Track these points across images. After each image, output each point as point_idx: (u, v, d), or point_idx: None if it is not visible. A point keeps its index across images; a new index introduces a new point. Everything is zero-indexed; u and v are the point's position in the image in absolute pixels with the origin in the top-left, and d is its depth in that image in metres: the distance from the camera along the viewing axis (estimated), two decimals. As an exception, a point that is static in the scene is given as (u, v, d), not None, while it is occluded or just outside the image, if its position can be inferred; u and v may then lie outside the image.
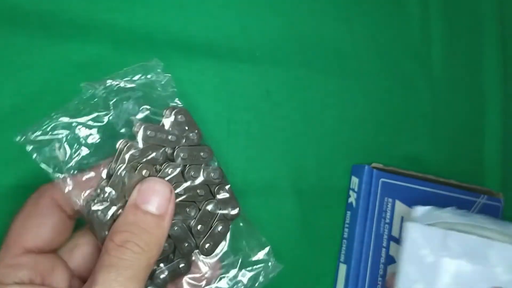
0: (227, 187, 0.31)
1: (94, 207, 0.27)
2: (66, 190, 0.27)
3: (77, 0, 0.34)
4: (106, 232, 0.26)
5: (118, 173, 0.27)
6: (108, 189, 0.27)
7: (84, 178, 0.27)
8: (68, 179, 0.27)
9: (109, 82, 0.29)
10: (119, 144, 0.28)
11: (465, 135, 0.48)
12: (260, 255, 0.33)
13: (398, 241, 0.41)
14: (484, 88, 0.49)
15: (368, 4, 0.44)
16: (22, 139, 0.27)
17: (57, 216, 0.27)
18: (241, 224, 0.33)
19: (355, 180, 0.41)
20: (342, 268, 0.40)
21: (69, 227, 0.28)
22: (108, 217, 0.27)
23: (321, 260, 0.40)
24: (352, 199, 0.41)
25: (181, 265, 0.30)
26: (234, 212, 0.31)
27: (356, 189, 0.41)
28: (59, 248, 0.28)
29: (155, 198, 0.26)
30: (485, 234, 0.32)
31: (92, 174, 0.27)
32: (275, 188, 0.39)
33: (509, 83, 0.50)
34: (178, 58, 0.36)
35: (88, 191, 0.27)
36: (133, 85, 0.29)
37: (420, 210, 0.34)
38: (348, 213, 0.41)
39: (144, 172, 0.28)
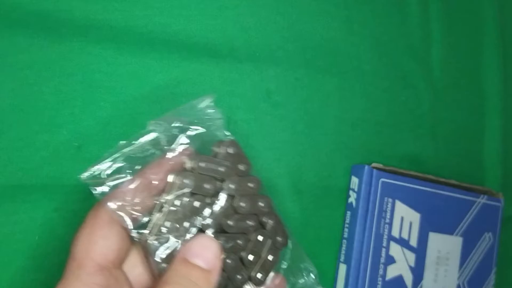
0: (275, 216, 0.31)
1: (150, 240, 0.27)
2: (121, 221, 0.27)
3: (77, 0, 0.34)
4: (163, 265, 0.27)
5: (172, 205, 0.27)
6: (161, 221, 0.27)
7: (123, 190, 0.28)
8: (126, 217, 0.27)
9: (170, 120, 0.30)
10: (171, 177, 0.28)
11: (465, 135, 0.48)
12: (308, 279, 0.33)
13: (398, 241, 0.41)
14: (484, 88, 0.49)
15: (368, 4, 0.44)
16: (86, 177, 0.28)
17: (118, 228, 0.27)
18: (289, 248, 0.32)
19: (355, 180, 0.41)
20: (342, 268, 0.40)
21: (129, 240, 0.28)
22: (164, 249, 0.27)
23: (321, 260, 0.40)
24: (352, 199, 0.41)
25: None
26: (284, 240, 0.31)
27: (356, 189, 0.41)
28: (123, 262, 0.28)
29: (205, 253, 0.27)
30: None
31: (131, 186, 0.28)
32: (275, 188, 0.39)
33: (509, 83, 0.50)
34: (178, 58, 0.36)
35: (137, 214, 0.27)
36: (188, 120, 0.30)
37: None
38: (348, 213, 0.41)
39: (195, 203, 0.28)
